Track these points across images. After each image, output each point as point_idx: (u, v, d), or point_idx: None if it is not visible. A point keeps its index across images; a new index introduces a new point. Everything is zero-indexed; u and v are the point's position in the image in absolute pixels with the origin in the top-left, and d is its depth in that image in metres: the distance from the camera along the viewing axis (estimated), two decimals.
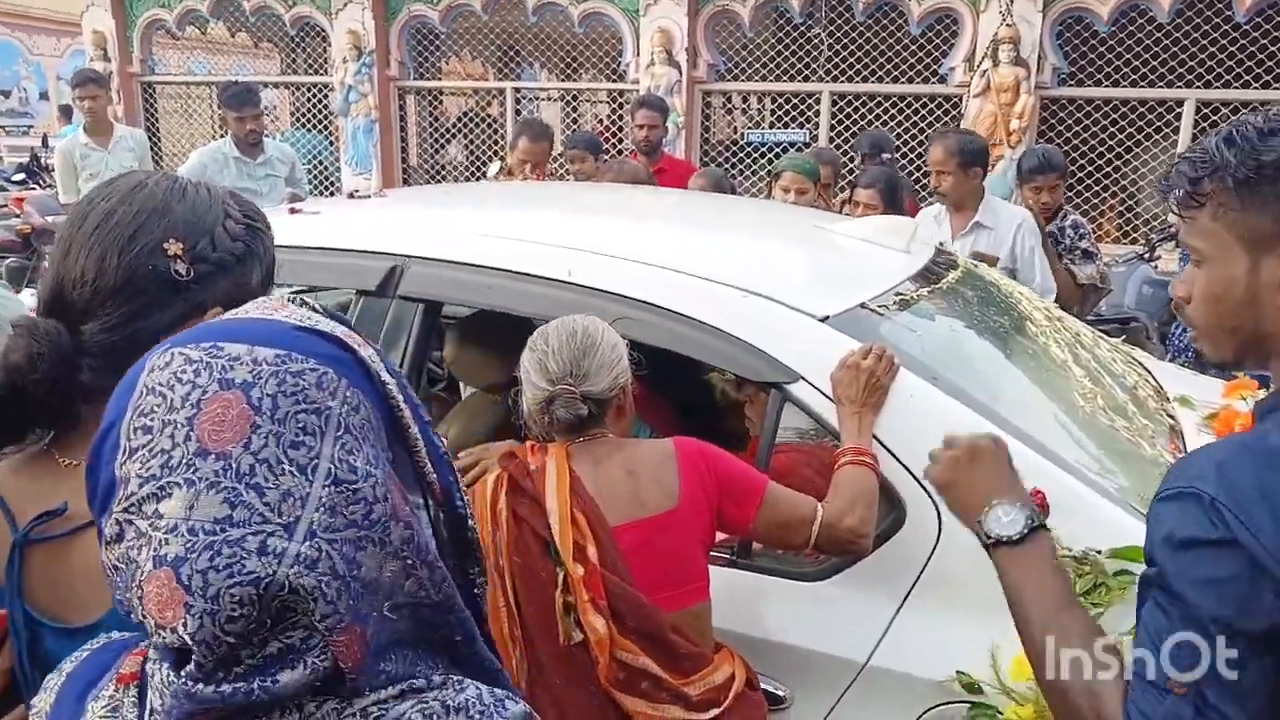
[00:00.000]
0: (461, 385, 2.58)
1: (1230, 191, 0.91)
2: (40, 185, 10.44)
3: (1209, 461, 0.88)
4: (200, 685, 0.57)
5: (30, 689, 0.83)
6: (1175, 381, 2.46)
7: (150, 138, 7.20)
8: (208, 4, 8.64)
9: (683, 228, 2.31)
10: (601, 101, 9.90)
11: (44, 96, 22.90)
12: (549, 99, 9.94)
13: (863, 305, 1.79)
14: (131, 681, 0.64)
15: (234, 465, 0.57)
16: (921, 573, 1.57)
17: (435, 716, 0.62)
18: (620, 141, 7.96)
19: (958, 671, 1.49)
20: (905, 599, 1.57)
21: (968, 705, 1.48)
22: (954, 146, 3.43)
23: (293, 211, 2.25)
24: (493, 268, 1.89)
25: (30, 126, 21.42)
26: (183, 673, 0.57)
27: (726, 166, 7.41)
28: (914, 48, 7.03)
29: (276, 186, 4.61)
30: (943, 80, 6.88)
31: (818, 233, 2.24)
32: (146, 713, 0.61)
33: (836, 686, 1.57)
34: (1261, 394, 2.21)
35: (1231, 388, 2.26)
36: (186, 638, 0.56)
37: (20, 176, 11.56)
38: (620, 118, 9.26)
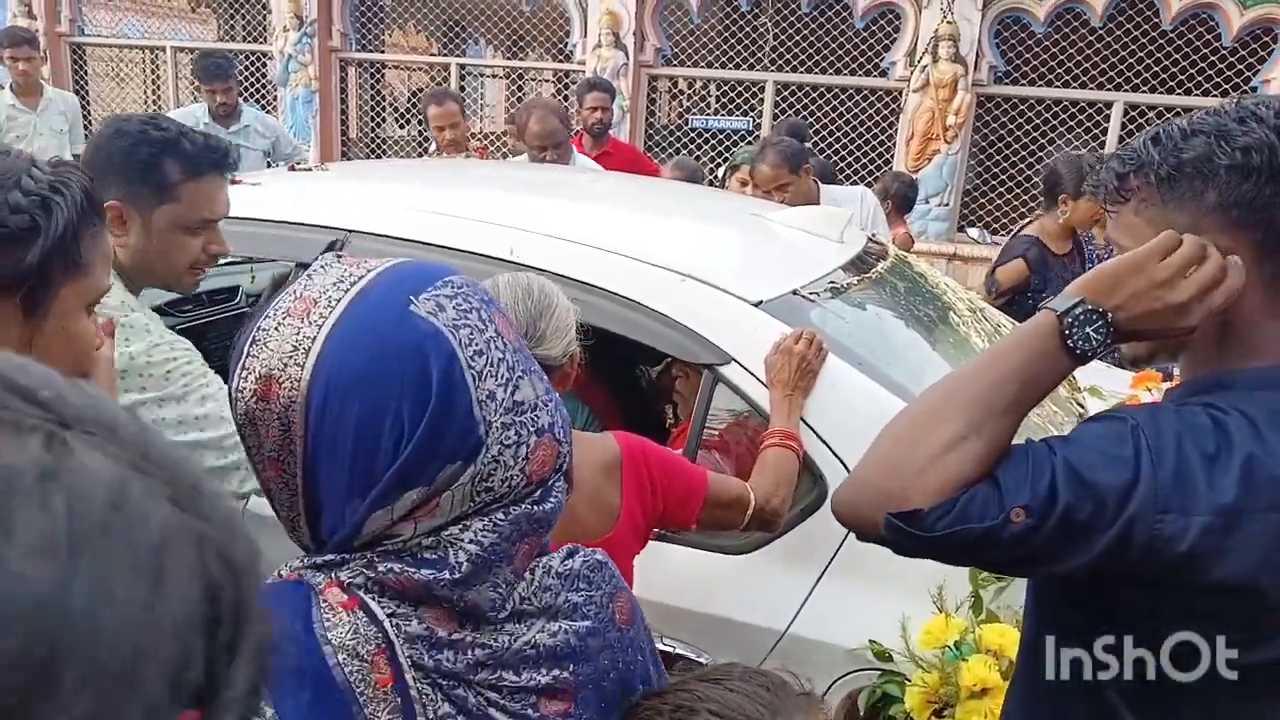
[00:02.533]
0: None
1: (1153, 187, 0.94)
2: None
3: (1143, 409, 0.94)
4: (539, 507, 0.75)
5: None
6: (1085, 372, 2.59)
7: (79, 101, 6.97)
8: None
9: (623, 211, 2.35)
10: (546, 80, 9.85)
11: None
12: (494, 76, 9.86)
13: (795, 292, 1.86)
14: (355, 606, 0.71)
15: (524, 354, 0.76)
16: (839, 548, 1.64)
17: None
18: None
19: (870, 641, 1.58)
20: (823, 572, 1.65)
21: (879, 672, 1.57)
22: (777, 158, 3.34)
23: (234, 182, 2.24)
24: (436, 244, 1.92)
25: None
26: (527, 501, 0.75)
27: (671, 151, 7.46)
28: (857, 40, 7.15)
29: (249, 157, 4.54)
30: (884, 74, 7.01)
31: (755, 220, 2.30)
32: (389, 623, 0.71)
33: (756, 654, 1.64)
34: (1165, 386, 2.35)
35: (1138, 379, 2.39)
36: (555, 482, 0.76)
37: None
38: (565, 98, 9.22)
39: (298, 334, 0.70)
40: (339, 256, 0.77)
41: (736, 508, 1.51)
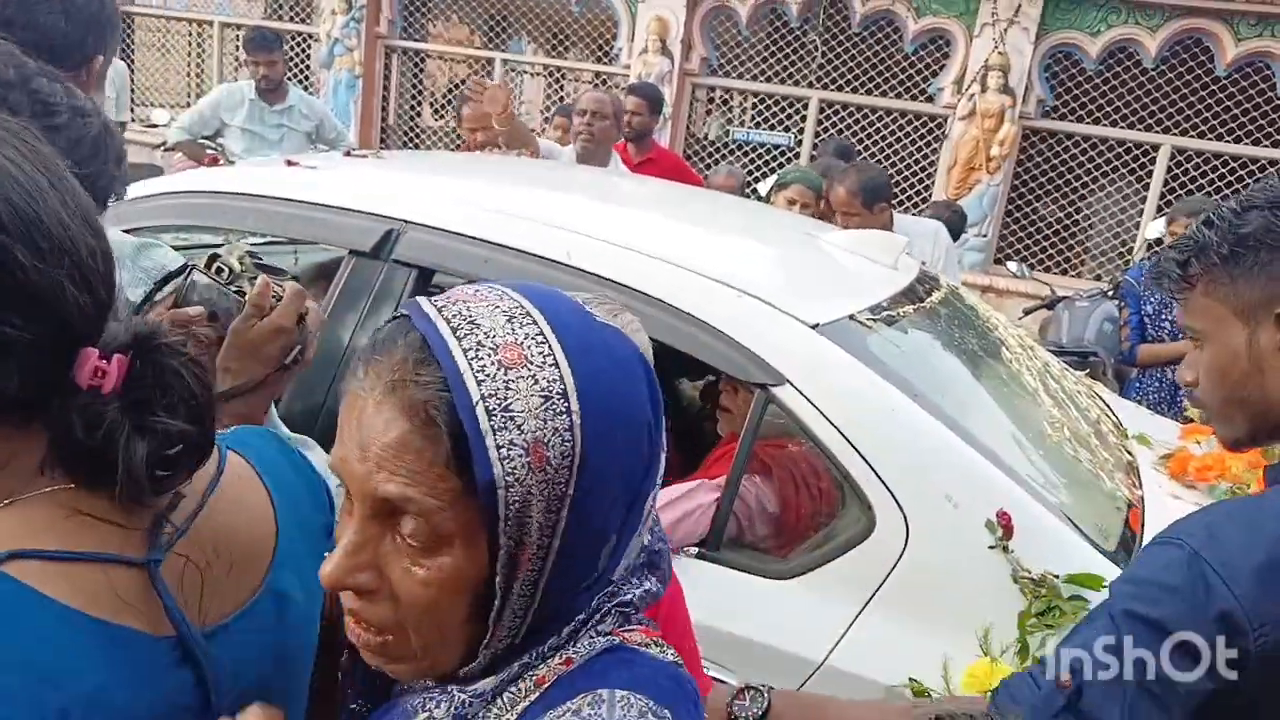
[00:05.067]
0: None
1: (1218, 267, 0.98)
2: None
3: (1199, 522, 0.92)
4: None
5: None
6: (1134, 419, 2.54)
7: (127, 70, 7.01)
8: None
9: (681, 222, 2.33)
10: (586, 81, 9.86)
11: None
12: (533, 74, 9.87)
13: (851, 316, 1.83)
14: (650, 634, 0.69)
15: None
16: (885, 580, 1.61)
17: None
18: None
19: (910, 678, 1.54)
20: (866, 604, 1.62)
21: None
22: (855, 186, 3.28)
23: (289, 163, 2.23)
24: (491, 241, 1.90)
25: None
26: None
27: (711, 162, 7.44)
28: (905, 64, 7.11)
29: (291, 138, 4.57)
30: (930, 99, 6.97)
31: (810, 240, 2.28)
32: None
33: (792, 682, 1.61)
34: (1213, 440, 2.30)
35: (1188, 431, 2.35)
36: None
37: None
38: None
39: (535, 382, 0.59)
40: (427, 295, 0.66)
41: None
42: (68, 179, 0.67)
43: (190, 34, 9.56)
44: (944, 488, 1.60)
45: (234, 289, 1.06)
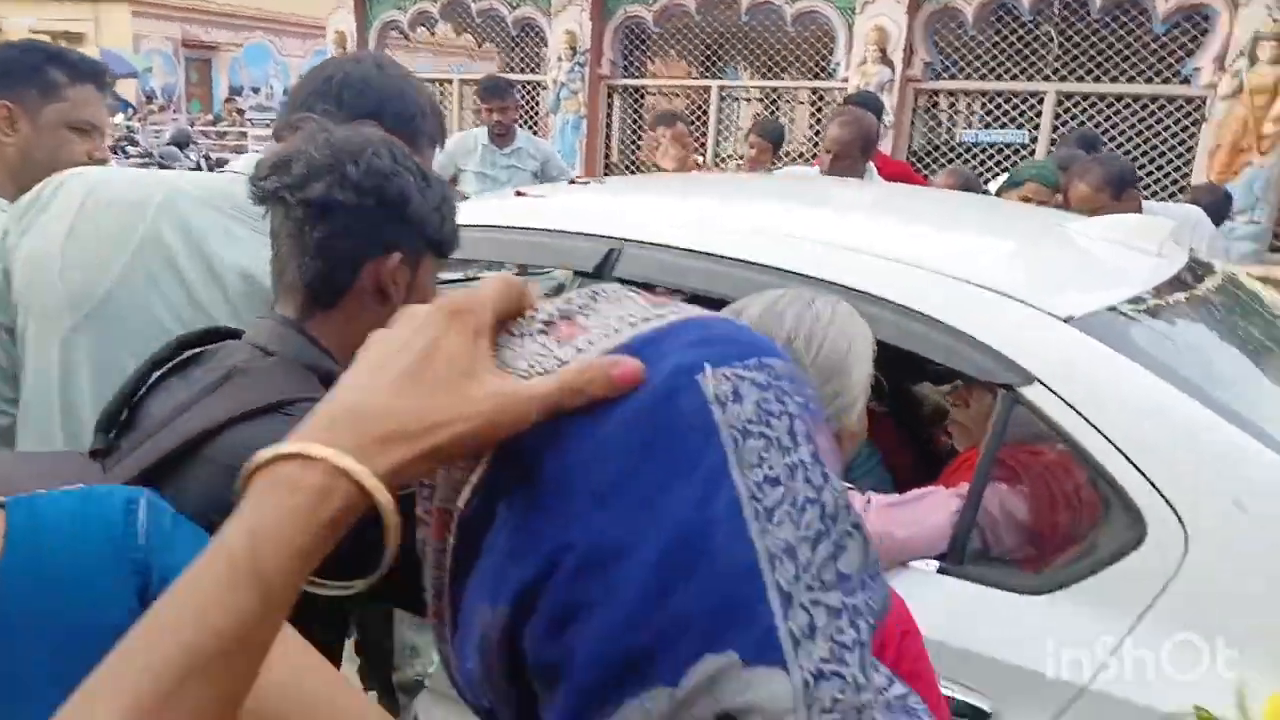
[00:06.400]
0: None
1: None
2: None
3: None
4: None
5: None
6: None
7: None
8: (439, 6, 9.20)
9: (911, 220, 2.23)
10: (801, 103, 9.77)
11: (287, 93, 25.18)
12: (748, 99, 9.92)
13: (1111, 308, 1.67)
14: None
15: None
16: (1159, 595, 1.44)
17: None
18: (818, 146, 7.85)
19: (1195, 706, 1.37)
20: (1138, 622, 1.45)
21: None
22: (1099, 179, 3.04)
23: (519, 194, 2.36)
24: (711, 254, 1.90)
25: (272, 120, 23.43)
26: None
27: (939, 168, 7.15)
28: (1155, 47, 6.52)
29: (518, 178, 4.87)
30: (1186, 81, 6.35)
31: (1059, 230, 2.11)
32: None
33: (1050, 708, 1.47)
34: None
35: None
36: None
37: None
38: (819, 120, 9.10)
39: None
40: None
41: None
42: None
43: (434, 93, 10.41)
44: (1231, 492, 1.42)
45: None
